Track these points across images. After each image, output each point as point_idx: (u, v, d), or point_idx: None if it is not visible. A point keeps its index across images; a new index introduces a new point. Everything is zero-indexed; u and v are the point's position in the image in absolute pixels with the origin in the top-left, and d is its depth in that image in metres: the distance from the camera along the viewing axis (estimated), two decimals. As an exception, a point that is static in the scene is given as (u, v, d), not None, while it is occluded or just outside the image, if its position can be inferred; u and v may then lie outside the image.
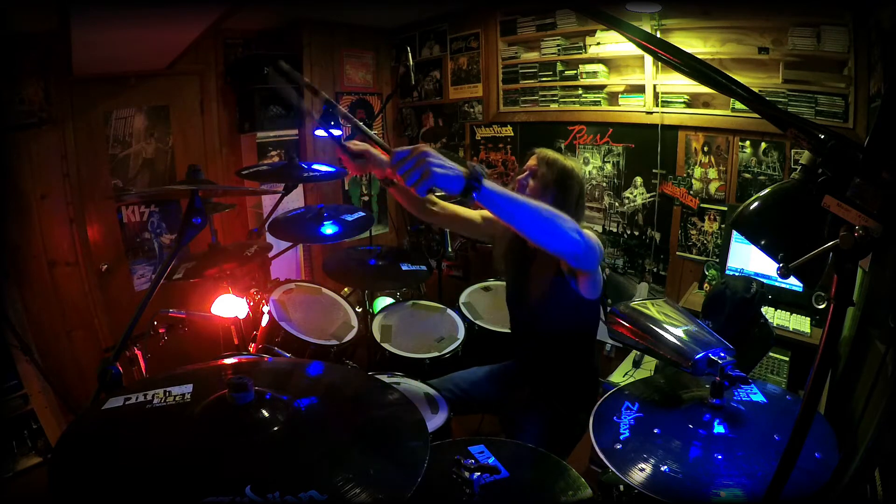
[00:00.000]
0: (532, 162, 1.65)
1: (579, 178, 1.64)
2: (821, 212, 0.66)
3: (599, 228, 3.06)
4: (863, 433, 0.96)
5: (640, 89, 2.77)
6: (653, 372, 2.02)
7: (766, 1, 2.27)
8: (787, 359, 2.01)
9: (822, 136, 0.68)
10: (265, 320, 2.02)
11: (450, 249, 2.58)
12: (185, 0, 2.05)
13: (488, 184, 1.07)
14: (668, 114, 2.67)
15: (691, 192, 2.68)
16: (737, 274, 2.36)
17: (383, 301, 2.68)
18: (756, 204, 0.84)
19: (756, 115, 2.19)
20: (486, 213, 1.85)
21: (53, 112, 2.65)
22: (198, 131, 3.30)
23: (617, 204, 3.00)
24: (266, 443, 0.84)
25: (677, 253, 2.79)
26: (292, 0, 3.10)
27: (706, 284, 2.50)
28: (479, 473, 1.06)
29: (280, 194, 2.24)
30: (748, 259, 2.36)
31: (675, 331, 1.11)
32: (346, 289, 2.61)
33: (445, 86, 3.72)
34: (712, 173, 2.60)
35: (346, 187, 3.88)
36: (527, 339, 1.80)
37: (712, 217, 2.64)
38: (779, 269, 0.73)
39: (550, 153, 1.66)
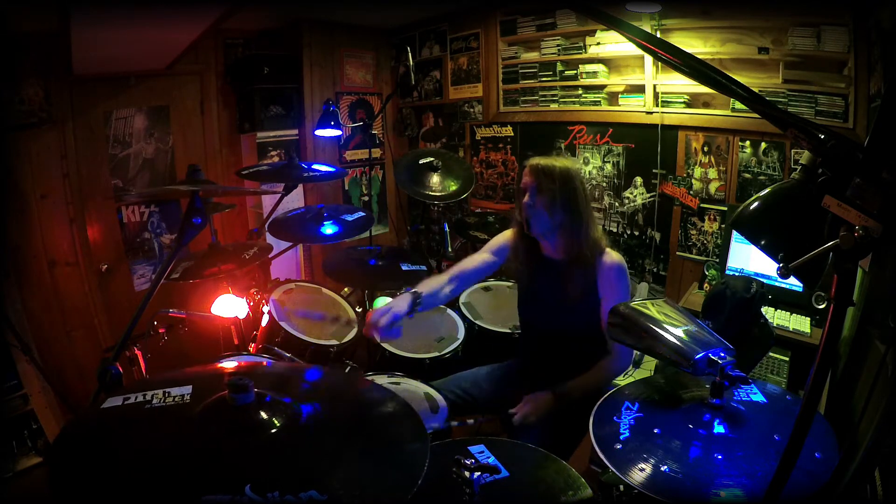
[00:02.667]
0: (528, 178, 1.60)
1: (580, 176, 1.63)
2: (821, 212, 0.66)
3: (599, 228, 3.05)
4: (863, 433, 0.96)
5: (640, 89, 2.77)
6: (653, 372, 2.02)
7: (766, 1, 2.27)
8: (787, 359, 2.01)
9: (822, 136, 0.68)
10: (265, 320, 2.02)
11: (450, 249, 2.59)
12: (185, 0, 2.05)
13: (572, 394, 1.56)
14: (668, 114, 2.67)
15: (691, 192, 2.68)
16: (737, 274, 2.36)
17: (383, 301, 2.67)
18: (756, 204, 0.84)
19: (756, 115, 2.19)
20: (492, 245, 1.84)
21: (53, 112, 2.66)
22: (198, 131, 3.30)
23: (617, 204, 3.00)
24: (266, 443, 0.84)
25: (677, 253, 2.79)
26: (292, 0, 3.10)
27: (706, 284, 2.50)
28: (479, 473, 1.06)
29: (280, 194, 2.24)
30: (748, 259, 2.36)
31: (675, 331, 1.11)
32: (346, 289, 2.61)
33: (445, 86, 3.72)
34: (712, 173, 2.60)
35: (346, 187, 3.88)
36: (538, 342, 1.80)
37: (712, 217, 2.64)
38: (779, 269, 0.73)
39: (543, 161, 1.60)
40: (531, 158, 1.64)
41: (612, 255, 1.62)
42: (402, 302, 1.55)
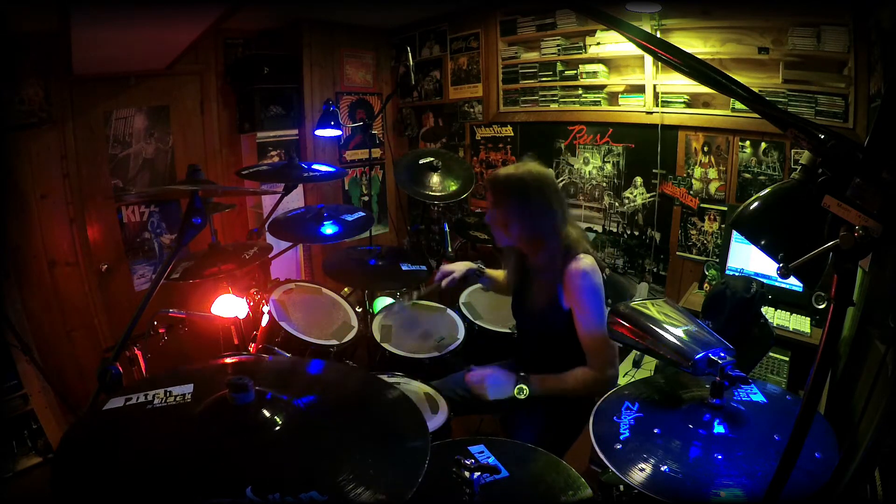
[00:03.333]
0: (487, 192, 1.63)
1: (539, 183, 1.55)
2: (821, 212, 0.66)
3: (599, 228, 3.06)
4: (863, 433, 0.96)
5: (640, 89, 2.77)
6: (653, 372, 2.02)
7: (766, 1, 2.27)
8: (787, 359, 2.01)
9: (822, 136, 0.68)
10: (265, 320, 2.02)
11: (450, 249, 2.59)
12: (185, 0, 2.05)
13: (534, 386, 1.55)
14: (668, 114, 2.67)
15: (691, 192, 2.68)
16: (737, 274, 2.36)
17: (383, 301, 2.67)
18: (756, 204, 0.84)
19: (756, 115, 2.19)
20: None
21: (53, 112, 2.66)
22: (198, 131, 3.30)
23: (617, 204, 3.00)
24: (266, 443, 0.84)
25: (677, 253, 2.79)
26: (292, 0, 3.10)
27: (706, 284, 2.50)
28: (479, 473, 1.06)
29: (280, 194, 2.24)
30: (748, 259, 2.36)
31: (675, 331, 1.11)
32: (346, 289, 2.61)
33: (445, 86, 3.72)
34: (712, 173, 2.60)
35: (346, 187, 3.88)
36: (531, 342, 1.82)
37: (712, 217, 2.64)
38: (779, 269, 0.73)
39: (501, 173, 1.59)
40: (493, 172, 1.66)
41: (580, 262, 1.53)
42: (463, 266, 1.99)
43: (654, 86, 2.69)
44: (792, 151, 2.33)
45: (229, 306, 2.06)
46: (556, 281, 1.57)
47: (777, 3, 2.24)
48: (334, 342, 2.02)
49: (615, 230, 3.02)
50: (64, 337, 2.79)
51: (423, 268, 2.36)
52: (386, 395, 1.04)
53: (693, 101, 2.62)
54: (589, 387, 1.53)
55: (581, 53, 2.98)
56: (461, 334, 2.11)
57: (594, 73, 2.92)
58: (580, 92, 3.02)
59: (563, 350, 1.68)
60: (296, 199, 3.33)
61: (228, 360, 1.23)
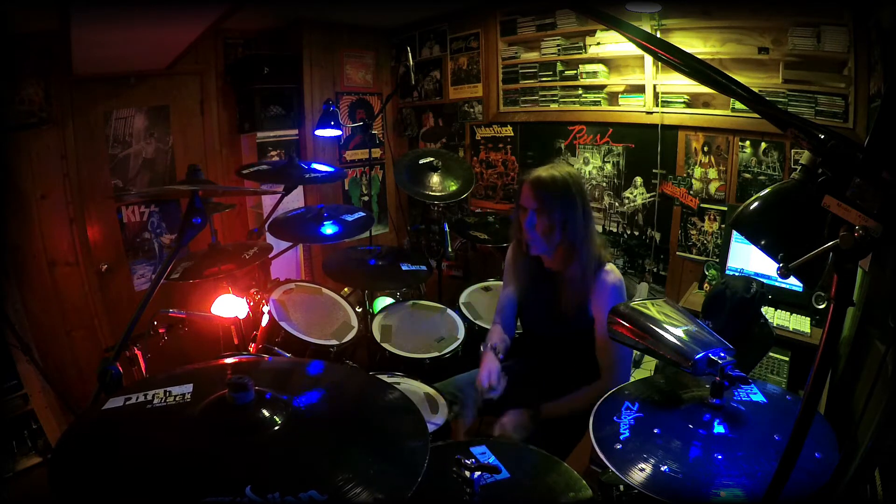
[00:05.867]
0: (529, 198, 1.52)
1: (580, 185, 1.55)
2: (821, 212, 0.66)
3: (599, 228, 3.06)
4: (863, 433, 0.96)
5: (640, 89, 2.77)
6: (653, 372, 2.02)
7: (766, 1, 2.27)
8: (787, 359, 2.01)
9: (822, 136, 0.68)
10: (265, 320, 2.02)
11: (450, 249, 2.58)
12: (185, 0, 2.05)
13: (549, 415, 1.56)
14: (668, 114, 2.67)
15: (691, 192, 2.68)
16: (737, 274, 2.36)
17: (383, 301, 2.68)
18: (756, 204, 0.84)
19: (756, 115, 2.19)
20: (506, 272, 1.85)
21: (53, 112, 2.66)
22: (198, 131, 3.30)
23: (617, 204, 3.00)
24: (266, 443, 0.84)
25: (677, 253, 2.79)
26: (292, 0, 3.10)
27: (706, 284, 2.50)
28: (479, 473, 1.06)
29: (280, 194, 2.24)
30: (748, 259, 2.36)
31: (675, 331, 1.11)
32: (346, 289, 2.61)
33: (445, 86, 3.72)
34: (712, 173, 2.60)
35: (346, 187, 3.88)
36: (538, 346, 1.81)
37: (712, 217, 2.64)
38: (779, 269, 0.73)
39: (544, 175, 1.51)
40: (532, 172, 1.56)
41: (611, 274, 1.57)
42: (492, 361, 1.63)
43: (654, 86, 2.69)
44: (792, 151, 2.33)
45: (229, 306, 2.06)
46: (587, 286, 1.57)
47: (777, 3, 2.24)
48: (334, 342, 2.02)
49: (615, 230, 3.03)
50: (64, 337, 2.79)
51: (423, 268, 2.36)
52: (386, 395, 1.04)
53: (693, 101, 2.62)
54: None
55: (581, 53, 2.98)
56: (461, 334, 2.12)
57: (594, 73, 2.92)
58: (580, 92, 3.02)
59: (580, 355, 1.68)
60: (296, 199, 3.32)
61: (228, 362, 1.23)
